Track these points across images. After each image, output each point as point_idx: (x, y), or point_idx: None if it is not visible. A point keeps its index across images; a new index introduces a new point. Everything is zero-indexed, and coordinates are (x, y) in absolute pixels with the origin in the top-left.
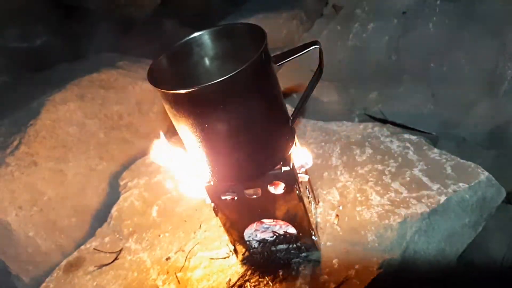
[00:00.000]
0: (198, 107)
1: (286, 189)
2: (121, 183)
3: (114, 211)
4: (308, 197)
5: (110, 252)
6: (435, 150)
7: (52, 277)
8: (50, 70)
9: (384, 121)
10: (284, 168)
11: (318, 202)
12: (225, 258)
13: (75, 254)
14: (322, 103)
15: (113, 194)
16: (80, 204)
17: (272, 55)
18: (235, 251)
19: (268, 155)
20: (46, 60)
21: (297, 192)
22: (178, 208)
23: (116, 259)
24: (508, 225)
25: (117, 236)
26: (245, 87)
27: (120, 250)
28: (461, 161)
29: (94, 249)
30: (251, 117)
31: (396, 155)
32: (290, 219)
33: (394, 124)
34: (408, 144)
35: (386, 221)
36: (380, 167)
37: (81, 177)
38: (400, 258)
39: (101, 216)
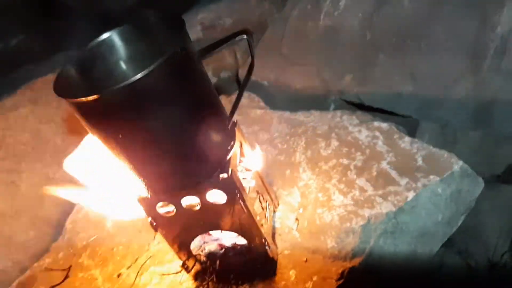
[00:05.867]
0: (103, 116)
1: (227, 199)
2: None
3: (68, 223)
4: (262, 203)
5: (61, 270)
6: (406, 138)
7: None
8: (16, 73)
9: (361, 106)
10: (221, 176)
11: (278, 205)
12: (176, 273)
13: (28, 272)
14: (295, 90)
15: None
16: (38, 216)
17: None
18: (185, 266)
19: (202, 162)
20: (21, 61)
21: (241, 201)
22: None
23: (66, 277)
24: (502, 207)
25: (71, 250)
26: (160, 89)
27: (69, 268)
28: (434, 150)
29: (46, 267)
30: (172, 122)
31: (363, 146)
32: (238, 230)
33: (371, 109)
34: (377, 133)
35: (348, 224)
36: (345, 161)
37: (37, 187)
38: (364, 265)
39: (62, 228)
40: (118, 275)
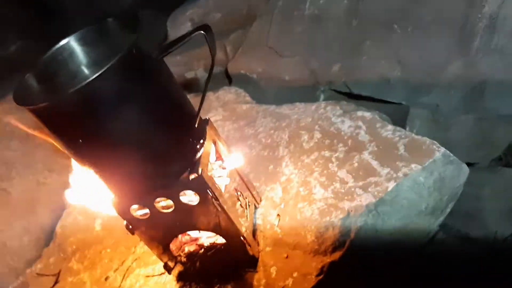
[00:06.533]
0: (60, 122)
1: (200, 199)
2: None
3: (58, 228)
4: (240, 201)
5: (52, 275)
6: (389, 127)
7: None
8: (12, 79)
9: (350, 95)
10: (191, 176)
11: (260, 201)
12: (160, 274)
13: (21, 279)
14: (284, 82)
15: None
16: (31, 222)
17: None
18: (166, 267)
19: (169, 163)
20: (20, 67)
21: (214, 200)
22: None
23: (56, 283)
24: (503, 191)
25: (62, 255)
26: (113, 91)
27: (59, 273)
28: (416, 137)
29: (37, 273)
30: (131, 124)
31: (346, 137)
32: (215, 230)
33: (360, 97)
34: (360, 123)
35: (327, 218)
36: (327, 153)
37: (28, 193)
38: (344, 259)
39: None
40: (106, 278)
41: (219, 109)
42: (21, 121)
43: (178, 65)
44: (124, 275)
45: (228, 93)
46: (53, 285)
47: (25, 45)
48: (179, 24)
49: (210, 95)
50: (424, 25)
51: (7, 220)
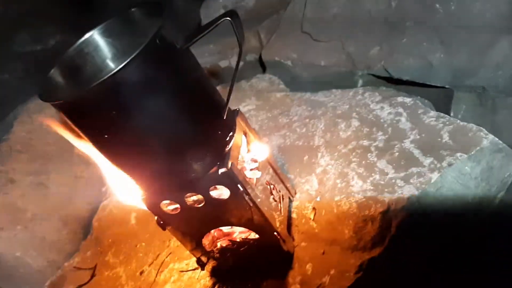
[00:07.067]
0: (86, 117)
1: (230, 193)
2: (103, 189)
3: (94, 221)
4: (273, 194)
5: (89, 269)
6: (432, 113)
7: None
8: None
9: (390, 80)
10: (220, 170)
11: (295, 194)
12: (194, 269)
13: (59, 272)
14: (319, 68)
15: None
16: (69, 216)
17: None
18: (200, 262)
19: (198, 157)
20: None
21: (245, 195)
22: None
23: (92, 276)
24: None
25: (98, 249)
26: (138, 84)
27: (95, 267)
28: (462, 124)
29: (74, 267)
30: (158, 117)
31: (386, 125)
32: (247, 225)
33: (401, 82)
34: (401, 110)
35: (367, 212)
36: (366, 142)
37: (66, 187)
38: (384, 256)
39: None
40: (141, 273)
41: (252, 98)
42: (58, 114)
43: (212, 54)
44: (159, 269)
45: (261, 81)
46: (90, 279)
47: (64, 39)
48: (212, 12)
49: (243, 84)
50: (468, 2)
51: (45, 214)
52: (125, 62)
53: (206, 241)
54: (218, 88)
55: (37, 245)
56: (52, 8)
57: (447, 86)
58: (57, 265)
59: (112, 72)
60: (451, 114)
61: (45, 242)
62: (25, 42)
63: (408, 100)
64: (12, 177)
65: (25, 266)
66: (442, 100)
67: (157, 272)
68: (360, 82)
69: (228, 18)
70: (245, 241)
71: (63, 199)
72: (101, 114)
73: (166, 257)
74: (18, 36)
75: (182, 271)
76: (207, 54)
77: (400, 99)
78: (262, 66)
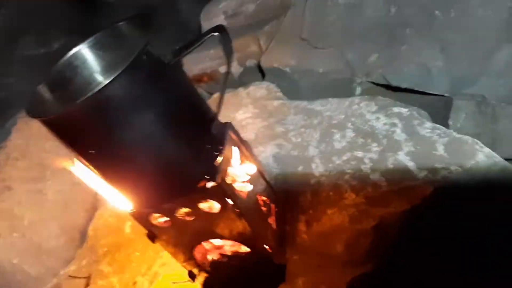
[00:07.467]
0: (71, 132)
1: (220, 207)
2: (98, 197)
3: (90, 230)
4: (265, 206)
5: (84, 277)
6: (428, 124)
7: None
8: None
9: (388, 87)
10: (209, 184)
11: (288, 206)
12: (186, 281)
13: (54, 281)
14: (317, 75)
15: None
16: (66, 222)
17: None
18: (191, 275)
19: (186, 171)
20: None
21: (235, 208)
22: None
23: (87, 286)
24: None
25: (93, 257)
26: (125, 101)
27: (89, 276)
28: (457, 136)
29: (69, 275)
30: (144, 131)
31: (380, 136)
32: (237, 238)
33: (399, 89)
34: (396, 120)
35: (359, 226)
36: (360, 154)
37: (63, 194)
38: (377, 271)
39: None
40: (134, 283)
41: (249, 106)
42: None
43: (212, 59)
44: (152, 280)
45: (259, 89)
46: None
47: (68, 42)
48: (212, 17)
49: (240, 91)
50: (468, 9)
51: (42, 221)
52: (111, 78)
53: (197, 253)
54: (216, 95)
55: (34, 252)
56: (56, 11)
57: (446, 94)
58: (54, 272)
59: (97, 90)
60: (450, 123)
61: (42, 249)
62: (28, 46)
63: (404, 110)
64: (9, 184)
65: (22, 273)
66: (441, 108)
67: (150, 283)
68: (359, 89)
69: (216, 33)
70: (237, 254)
71: (60, 206)
72: (86, 130)
73: (159, 268)
74: (22, 39)
75: (174, 283)
76: (208, 59)
77: (396, 109)
78: (261, 72)
